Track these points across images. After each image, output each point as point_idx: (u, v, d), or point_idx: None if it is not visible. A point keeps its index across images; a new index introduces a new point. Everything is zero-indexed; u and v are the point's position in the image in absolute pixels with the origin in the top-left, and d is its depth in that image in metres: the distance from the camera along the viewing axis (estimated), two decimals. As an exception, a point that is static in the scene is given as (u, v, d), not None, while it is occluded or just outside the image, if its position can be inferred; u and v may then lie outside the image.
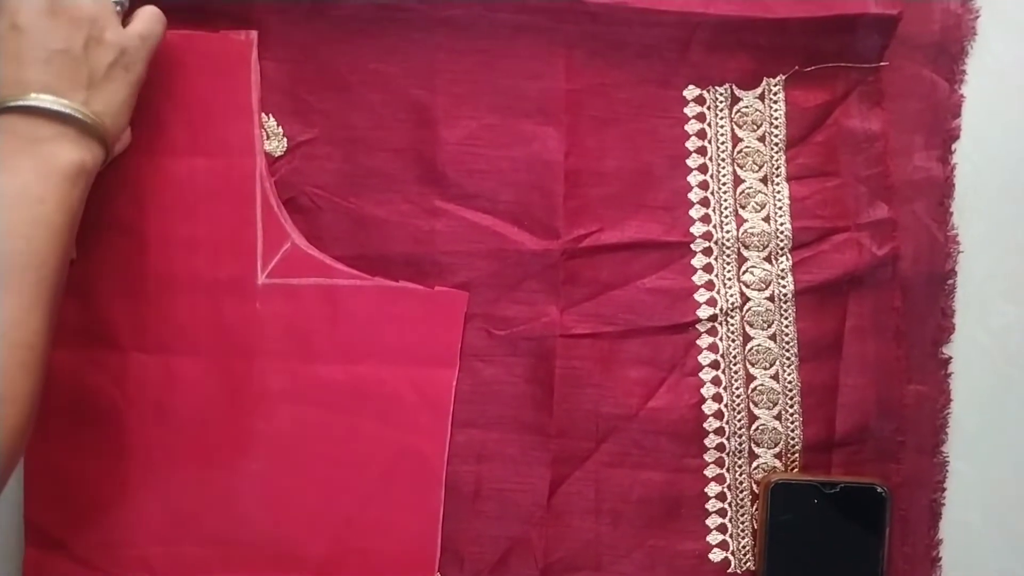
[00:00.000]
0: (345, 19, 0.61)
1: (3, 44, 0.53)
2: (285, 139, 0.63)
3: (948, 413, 0.61)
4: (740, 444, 0.62)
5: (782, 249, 0.61)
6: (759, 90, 0.61)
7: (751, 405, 0.62)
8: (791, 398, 0.62)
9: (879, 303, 0.61)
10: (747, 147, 0.61)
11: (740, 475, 0.62)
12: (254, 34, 0.62)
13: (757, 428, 0.62)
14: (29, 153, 0.53)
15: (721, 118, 0.61)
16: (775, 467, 0.62)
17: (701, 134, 0.61)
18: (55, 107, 0.53)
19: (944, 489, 0.61)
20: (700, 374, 0.62)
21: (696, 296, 0.62)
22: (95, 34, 0.55)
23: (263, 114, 0.63)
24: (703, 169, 0.62)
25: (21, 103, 0.52)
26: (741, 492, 0.62)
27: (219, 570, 0.64)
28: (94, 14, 0.55)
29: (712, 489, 0.62)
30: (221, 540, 0.64)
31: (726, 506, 0.62)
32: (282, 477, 0.64)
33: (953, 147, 0.60)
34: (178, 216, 0.63)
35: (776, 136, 0.61)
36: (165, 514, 0.64)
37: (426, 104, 0.62)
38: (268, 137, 0.63)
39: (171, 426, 0.64)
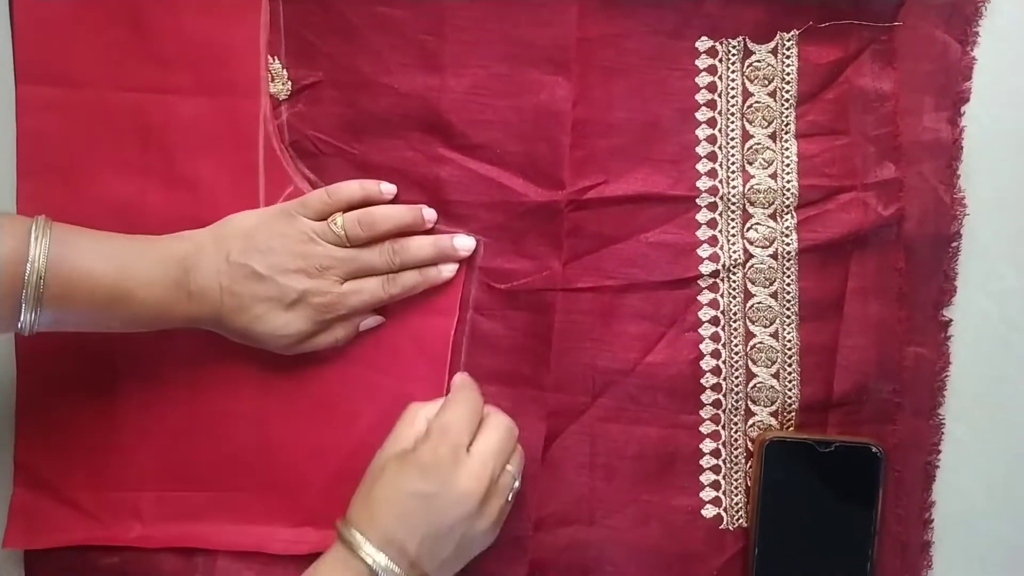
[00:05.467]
0: (353, -41, 0.61)
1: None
2: (290, 82, 0.63)
3: (946, 376, 0.61)
4: (737, 401, 0.62)
5: (787, 207, 0.61)
6: (772, 44, 0.60)
7: (749, 363, 0.62)
8: (790, 357, 0.62)
9: (882, 264, 0.60)
10: (757, 102, 0.61)
11: (735, 432, 0.62)
12: (264, -27, 0.62)
13: (754, 386, 0.62)
14: None
15: (733, 72, 0.61)
16: (771, 425, 0.62)
17: (711, 87, 0.61)
18: None
19: (939, 451, 0.61)
20: (699, 330, 0.62)
21: (699, 251, 0.62)
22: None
23: (269, 56, 0.62)
24: (712, 123, 0.61)
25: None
26: (736, 449, 0.62)
27: (209, 517, 0.64)
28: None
29: (707, 446, 0.62)
30: (211, 486, 0.64)
31: (720, 463, 0.62)
32: (275, 424, 0.64)
33: (963, 109, 0.60)
34: (180, 156, 0.63)
35: (787, 92, 0.60)
36: (155, 459, 0.64)
37: (433, 50, 0.61)
38: (273, 79, 0.63)
39: (163, 371, 0.63)
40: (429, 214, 0.62)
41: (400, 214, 0.61)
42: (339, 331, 0.61)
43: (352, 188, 0.61)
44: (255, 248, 0.58)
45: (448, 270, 0.62)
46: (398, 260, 0.61)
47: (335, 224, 0.60)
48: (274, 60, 0.62)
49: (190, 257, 0.58)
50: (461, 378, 0.62)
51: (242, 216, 0.61)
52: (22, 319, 0.53)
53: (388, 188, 0.62)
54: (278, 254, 0.58)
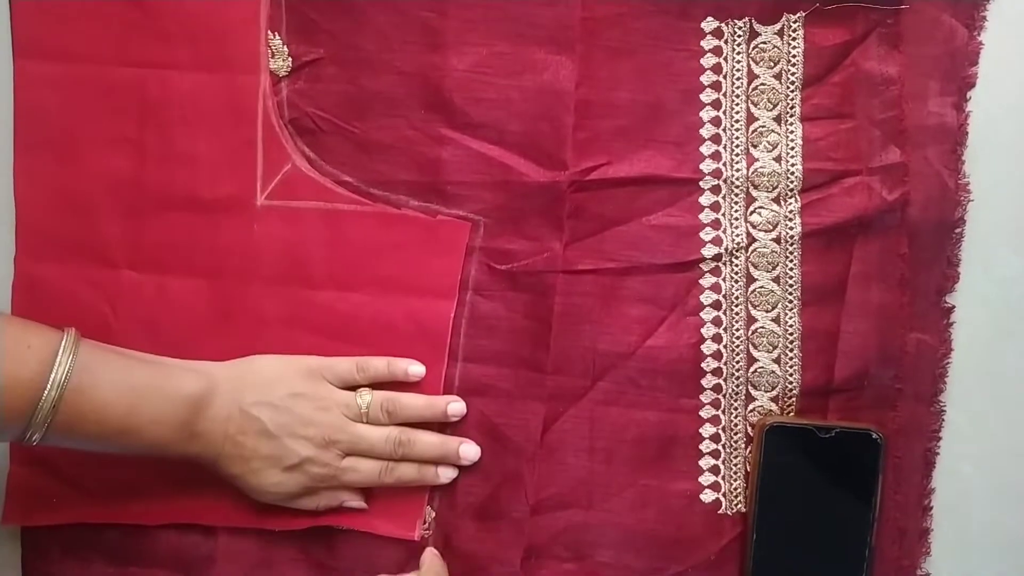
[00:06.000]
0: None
1: None
2: (290, 59, 0.62)
3: (948, 363, 0.61)
4: (737, 386, 0.62)
5: (791, 191, 0.60)
6: (778, 26, 0.60)
7: (750, 347, 0.62)
8: (791, 342, 0.61)
9: (885, 249, 0.60)
10: (763, 84, 0.60)
11: (735, 417, 0.62)
12: (263, -53, 0.61)
13: (755, 371, 0.62)
14: None
15: (738, 53, 0.60)
16: (771, 410, 0.62)
17: (717, 68, 0.60)
18: None
19: (939, 438, 0.61)
20: (701, 314, 0.62)
21: (701, 234, 0.61)
22: None
23: (269, 32, 0.62)
24: (716, 105, 0.61)
25: None
26: (736, 434, 0.62)
27: (208, 494, 0.63)
28: None
29: (707, 430, 0.62)
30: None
31: (720, 447, 0.62)
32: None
33: (968, 94, 0.59)
34: (178, 132, 0.63)
35: (793, 74, 0.60)
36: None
37: (436, 28, 0.61)
38: (273, 56, 0.62)
39: (162, 347, 0.63)
40: (454, 409, 0.62)
41: (420, 411, 0.61)
42: (322, 499, 0.61)
43: (379, 367, 0.61)
44: (270, 402, 0.59)
45: (446, 475, 0.62)
46: (401, 452, 0.61)
47: (362, 397, 0.60)
48: (275, 36, 0.62)
49: (204, 397, 0.58)
50: (430, 558, 0.61)
51: (266, 361, 0.61)
52: (27, 436, 0.53)
53: (416, 371, 0.62)
54: (292, 415, 0.59)
